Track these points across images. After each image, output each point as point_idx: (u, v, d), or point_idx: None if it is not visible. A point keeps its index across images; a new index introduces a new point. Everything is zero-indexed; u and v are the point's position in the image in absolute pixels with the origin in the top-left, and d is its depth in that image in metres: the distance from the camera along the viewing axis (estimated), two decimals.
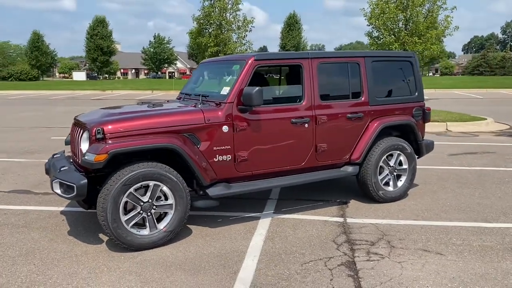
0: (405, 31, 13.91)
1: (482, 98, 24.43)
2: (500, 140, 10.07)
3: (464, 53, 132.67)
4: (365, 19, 14.30)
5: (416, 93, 5.56)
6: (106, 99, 26.84)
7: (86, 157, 3.78)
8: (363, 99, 5.10)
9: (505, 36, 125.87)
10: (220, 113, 4.32)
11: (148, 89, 34.65)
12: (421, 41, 13.46)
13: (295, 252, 3.93)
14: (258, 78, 4.97)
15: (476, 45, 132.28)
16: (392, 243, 4.13)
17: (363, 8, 14.57)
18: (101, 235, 4.32)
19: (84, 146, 4.01)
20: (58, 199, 5.35)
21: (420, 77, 5.63)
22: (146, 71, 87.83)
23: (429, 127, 11.76)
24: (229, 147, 4.35)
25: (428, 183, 6.26)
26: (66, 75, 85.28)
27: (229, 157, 4.36)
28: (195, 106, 4.45)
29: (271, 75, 5.90)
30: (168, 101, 5.43)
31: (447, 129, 11.78)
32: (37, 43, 64.49)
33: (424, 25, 13.59)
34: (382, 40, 14.23)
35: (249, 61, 4.47)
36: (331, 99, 4.96)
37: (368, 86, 5.12)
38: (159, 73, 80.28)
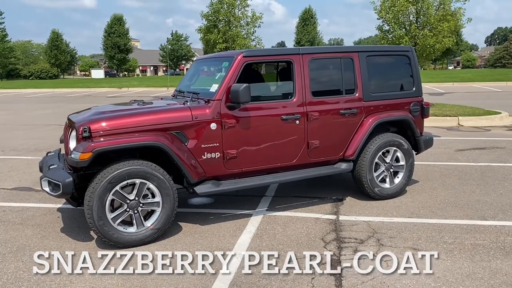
0: (416, 24, 13.59)
1: (500, 91, 23.80)
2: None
3: (487, 45, 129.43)
4: (375, 12, 14.13)
5: (414, 88, 5.44)
6: (122, 96, 27.14)
7: (72, 156, 3.83)
8: (357, 95, 5.02)
9: None
10: (208, 110, 4.31)
11: (164, 86, 34.81)
12: (432, 34, 13.14)
13: (281, 250, 3.90)
14: (251, 75, 4.94)
15: (499, 37, 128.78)
16: (381, 241, 4.07)
17: (373, 1, 14.37)
18: (92, 233, 4.37)
19: (72, 144, 4.06)
20: None
21: (418, 71, 5.50)
22: (164, 68, 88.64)
23: (440, 122, 11.56)
24: (217, 144, 4.34)
25: (429, 179, 6.13)
26: (87, 73, 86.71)
27: (217, 154, 4.35)
28: (184, 104, 4.45)
29: (262, 71, 5.84)
30: (162, 98, 5.46)
31: (458, 124, 11.52)
32: (56, 41, 65.83)
33: (435, 17, 13.27)
34: (392, 34, 14.01)
35: (238, 58, 4.44)
36: (324, 95, 4.89)
37: (362, 81, 5.03)
38: (177, 69, 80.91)
